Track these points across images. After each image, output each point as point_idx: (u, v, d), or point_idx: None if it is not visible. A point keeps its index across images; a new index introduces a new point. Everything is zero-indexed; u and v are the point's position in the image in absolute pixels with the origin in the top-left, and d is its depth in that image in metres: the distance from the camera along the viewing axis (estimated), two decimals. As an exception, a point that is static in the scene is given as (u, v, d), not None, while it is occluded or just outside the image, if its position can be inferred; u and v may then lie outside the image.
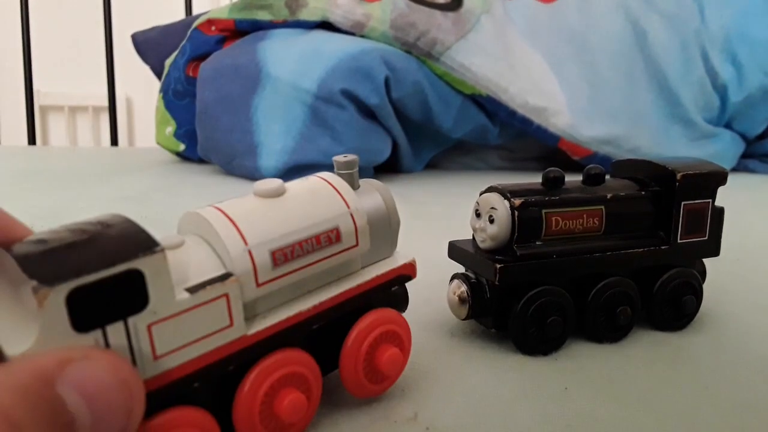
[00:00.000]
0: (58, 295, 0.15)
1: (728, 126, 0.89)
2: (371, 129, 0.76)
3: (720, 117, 0.88)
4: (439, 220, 0.57)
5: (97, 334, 0.16)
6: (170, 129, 0.93)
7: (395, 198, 0.25)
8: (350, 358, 0.23)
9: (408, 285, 0.25)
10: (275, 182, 0.21)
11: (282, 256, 0.20)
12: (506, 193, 0.28)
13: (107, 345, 0.16)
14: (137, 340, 0.17)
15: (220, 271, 0.19)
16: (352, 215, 0.22)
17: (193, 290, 0.18)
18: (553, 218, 0.28)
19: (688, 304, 0.31)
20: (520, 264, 0.28)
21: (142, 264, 0.16)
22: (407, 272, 0.25)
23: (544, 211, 0.28)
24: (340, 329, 0.23)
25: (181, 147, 0.93)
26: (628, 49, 0.85)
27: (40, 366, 0.14)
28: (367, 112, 0.75)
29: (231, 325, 0.19)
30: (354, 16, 0.80)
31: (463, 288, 0.29)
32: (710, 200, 0.31)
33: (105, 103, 1.38)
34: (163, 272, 0.17)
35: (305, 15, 0.81)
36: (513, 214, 0.27)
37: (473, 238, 0.30)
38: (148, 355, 0.17)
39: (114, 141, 1.38)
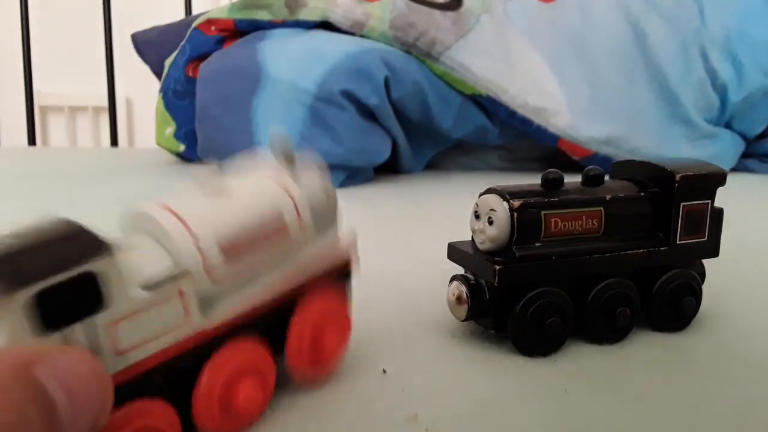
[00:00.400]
0: (17, 303, 0.15)
1: (728, 126, 0.89)
2: (371, 129, 0.76)
3: (720, 117, 0.88)
4: (439, 221, 0.57)
5: (59, 335, 0.16)
6: (170, 130, 0.93)
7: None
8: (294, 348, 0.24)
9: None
10: (219, 179, 0.22)
11: (232, 250, 0.21)
12: (505, 194, 0.28)
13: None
14: (98, 338, 0.17)
15: (172, 269, 0.19)
16: (296, 208, 0.23)
17: (148, 288, 0.18)
18: (553, 219, 0.28)
19: (688, 305, 0.31)
20: (519, 265, 0.28)
21: (95, 266, 0.17)
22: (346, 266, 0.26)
23: (543, 212, 0.28)
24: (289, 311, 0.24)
25: (181, 148, 0.93)
26: (628, 50, 0.85)
27: (19, 354, 0.14)
28: (367, 112, 0.75)
29: (188, 319, 0.20)
30: (354, 15, 0.80)
31: (463, 289, 0.29)
32: (709, 201, 0.31)
33: (105, 103, 1.38)
34: (116, 273, 0.17)
35: (305, 15, 0.81)
36: (512, 216, 0.28)
37: (472, 239, 0.30)
38: (110, 352, 0.17)
39: (114, 141, 1.38)
